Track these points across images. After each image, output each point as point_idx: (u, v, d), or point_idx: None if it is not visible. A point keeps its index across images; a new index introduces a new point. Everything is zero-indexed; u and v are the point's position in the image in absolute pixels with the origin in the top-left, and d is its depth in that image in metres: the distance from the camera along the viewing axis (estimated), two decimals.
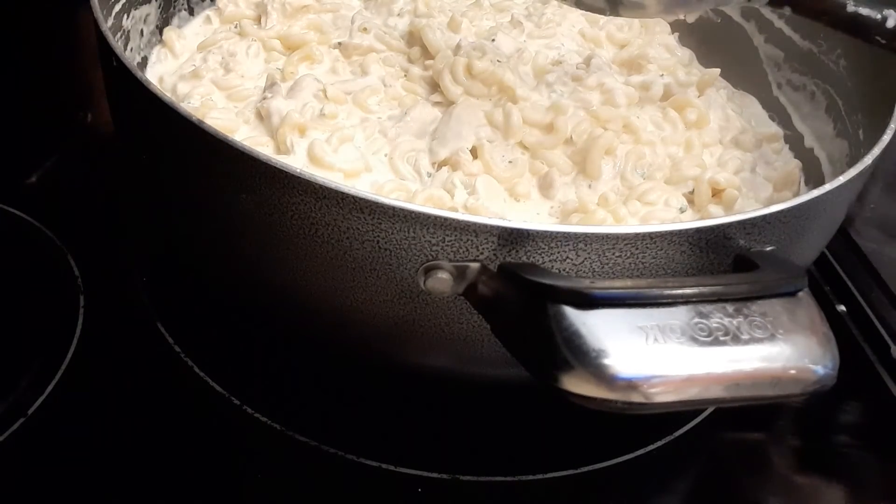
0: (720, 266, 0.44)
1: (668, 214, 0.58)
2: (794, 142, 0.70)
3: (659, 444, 0.59)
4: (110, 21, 0.60)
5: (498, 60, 0.64)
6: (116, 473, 0.52)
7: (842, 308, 0.72)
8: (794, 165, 0.65)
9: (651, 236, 0.42)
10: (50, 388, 0.56)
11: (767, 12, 0.73)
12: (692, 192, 0.60)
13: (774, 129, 0.71)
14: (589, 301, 0.37)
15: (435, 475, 0.55)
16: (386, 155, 0.60)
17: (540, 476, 0.56)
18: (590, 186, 0.60)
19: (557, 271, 0.42)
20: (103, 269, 0.64)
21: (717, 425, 0.61)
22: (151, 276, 0.65)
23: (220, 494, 0.53)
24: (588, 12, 0.75)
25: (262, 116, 0.61)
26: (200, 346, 0.60)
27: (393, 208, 0.41)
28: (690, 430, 0.60)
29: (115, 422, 0.55)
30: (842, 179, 0.47)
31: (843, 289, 0.73)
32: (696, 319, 0.36)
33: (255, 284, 0.52)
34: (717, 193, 0.59)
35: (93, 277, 0.63)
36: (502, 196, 0.59)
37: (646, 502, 0.58)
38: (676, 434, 0.60)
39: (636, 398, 0.34)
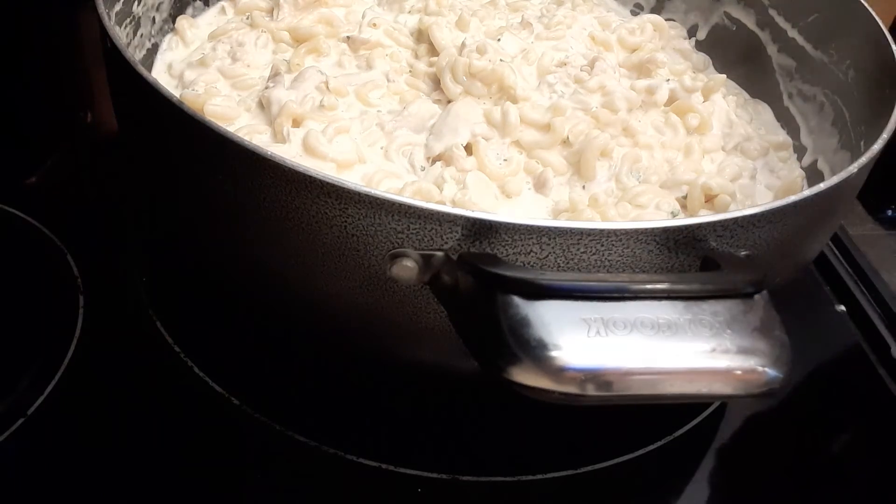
0: (690, 267, 0.44)
1: (659, 218, 0.57)
2: (803, 153, 0.69)
3: (659, 444, 0.59)
4: (118, 6, 0.61)
5: (501, 60, 0.64)
6: (116, 473, 0.53)
7: (842, 308, 0.71)
8: (798, 175, 0.65)
9: (616, 233, 0.42)
10: (50, 388, 0.56)
11: (782, 21, 0.72)
12: (685, 197, 0.59)
13: (783, 137, 0.70)
14: (537, 291, 0.37)
15: (435, 475, 0.55)
16: (382, 148, 0.60)
17: (540, 476, 0.56)
18: (584, 187, 0.60)
19: (522, 264, 0.42)
20: (103, 269, 0.65)
21: (717, 425, 0.61)
22: (151, 276, 0.65)
23: (220, 494, 0.53)
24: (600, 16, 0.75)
25: (264, 105, 0.62)
26: (200, 346, 0.60)
27: (357, 193, 0.41)
28: (691, 429, 0.60)
29: (114, 422, 0.55)
30: (822, 187, 0.46)
31: (843, 289, 0.72)
32: (642, 314, 0.36)
33: (239, 270, 0.52)
34: (710, 199, 0.59)
35: (93, 277, 0.64)
36: (493, 193, 0.59)
37: (646, 502, 0.58)
38: (676, 434, 0.60)
39: (572, 389, 0.34)
